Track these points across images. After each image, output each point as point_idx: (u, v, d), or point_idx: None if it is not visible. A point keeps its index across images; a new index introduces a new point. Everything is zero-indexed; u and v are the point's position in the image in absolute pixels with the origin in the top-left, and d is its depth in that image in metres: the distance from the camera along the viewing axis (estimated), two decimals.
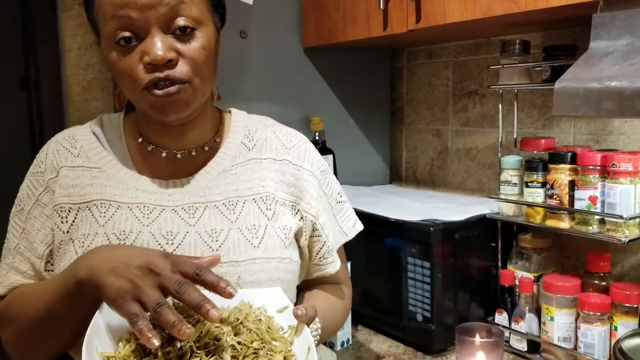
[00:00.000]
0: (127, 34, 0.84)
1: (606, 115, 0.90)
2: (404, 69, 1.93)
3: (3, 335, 0.95)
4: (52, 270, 0.94)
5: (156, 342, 0.69)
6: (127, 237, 0.90)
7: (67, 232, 0.92)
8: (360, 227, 1.11)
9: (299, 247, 1.01)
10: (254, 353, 0.74)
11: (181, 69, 0.86)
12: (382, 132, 1.95)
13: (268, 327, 0.79)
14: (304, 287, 1.08)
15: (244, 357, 0.74)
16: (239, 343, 0.75)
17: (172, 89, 0.86)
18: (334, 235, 1.06)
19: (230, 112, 1.06)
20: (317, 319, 0.89)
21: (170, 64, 0.85)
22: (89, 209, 0.92)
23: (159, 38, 0.84)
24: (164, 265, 0.75)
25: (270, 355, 0.75)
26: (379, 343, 1.44)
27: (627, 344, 0.99)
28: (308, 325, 0.82)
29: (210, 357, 0.72)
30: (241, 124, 1.03)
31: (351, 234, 1.09)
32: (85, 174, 0.95)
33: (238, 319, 0.78)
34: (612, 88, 0.84)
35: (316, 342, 0.89)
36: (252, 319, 0.79)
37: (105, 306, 0.77)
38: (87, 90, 2.10)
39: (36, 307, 0.87)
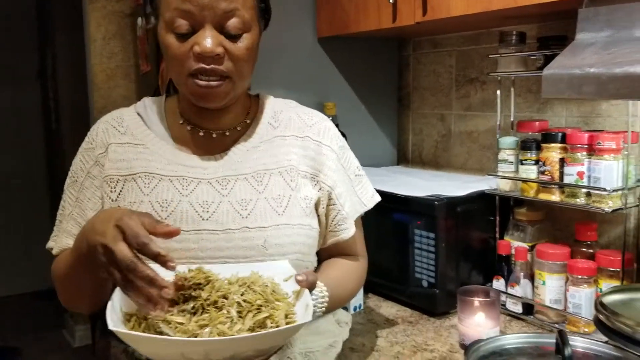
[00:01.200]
0: (185, 25, 0.96)
1: (587, 97, 1.03)
2: (411, 57, 2.06)
3: (57, 291, 1.09)
4: None
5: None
6: (168, 205, 1.02)
7: (116, 200, 1.05)
8: (378, 198, 1.22)
9: (318, 215, 1.12)
10: (257, 309, 0.85)
11: (226, 65, 0.98)
12: (390, 116, 2.09)
13: (273, 291, 0.89)
14: (325, 259, 1.17)
15: (248, 311, 0.84)
16: (244, 301, 0.85)
17: (214, 82, 0.98)
18: (352, 205, 1.16)
19: (258, 96, 1.18)
20: (324, 288, 1.00)
21: (217, 57, 0.97)
22: (135, 181, 1.04)
23: (211, 33, 0.96)
24: (116, 237, 0.83)
25: (273, 311, 0.85)
26: (388, 308, 1.58)
27: (607, 299, 1.13)
28: (311, 289, 0.93)
29: (219, 312, 0.83)
30: (268, 106, 1.16)
31: (370, 204, 1.20)
32: (131, 149, 1.07)
33: (246, 283, 0.89)
34: (591, 74, 0.97)
35: (324, 308, 1.01)
36: (259, 284, 0.90)
37: None
38: (111, 78, 2.23)
39: (63, 269, 1.02)
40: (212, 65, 0.97)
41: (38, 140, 4.21)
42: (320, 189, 1.11)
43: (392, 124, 2.10)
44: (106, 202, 1.06)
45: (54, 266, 1.09)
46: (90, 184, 1.08)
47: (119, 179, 1.05)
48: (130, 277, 0.82)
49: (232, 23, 0.97)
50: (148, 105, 1.14)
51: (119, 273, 0.83)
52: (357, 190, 1.19)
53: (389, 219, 1.59)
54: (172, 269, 0.84)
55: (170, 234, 0.87)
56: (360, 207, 1.18)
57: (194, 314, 0.85)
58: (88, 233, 0.88)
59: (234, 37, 0.98)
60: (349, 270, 1.18)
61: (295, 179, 1.09)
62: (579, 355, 0.98)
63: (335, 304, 1.09)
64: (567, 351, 0.88)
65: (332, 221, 1.13)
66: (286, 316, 0.85)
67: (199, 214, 1.02)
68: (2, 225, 4.24)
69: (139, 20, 2.00)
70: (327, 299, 1.01)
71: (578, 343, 1.02)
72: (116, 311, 0.84)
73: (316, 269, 1.15)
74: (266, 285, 0.90)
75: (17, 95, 4.06)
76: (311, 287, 0.94)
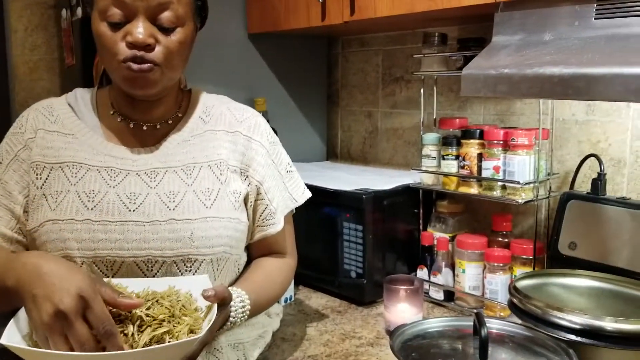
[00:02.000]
0: (118, 15, 0.97)
1: (501, 95, 1.11)
2: (340, 56, 2.11)
3: None
4: (27, 220, 1.04)
5: None
6: (95, 195, 1.02)
7: (41, 187, 1.03)
8: (308, 194, 1.24)
9: (247, 210, 1.13)
10: (158, 324, 0.84)
11: (155, 54, 0.99)
12: (319, 113, 2.13)
13: (183, 306, 0.89)
14: (254, 257, 1.19)
15: (148, 326, 0.84)
16: (147, 315, 0.85)
17: (145, 66, 0.99)
18: (283, 201, 1.18)
19: (190, 90, 1.19)
20: (245, 296, 1.02)
21: (148, 48, 0.98)
22: (62, 169, 1.04)
23: (144, 24, 0.97)
24: (78, 312, 0.79)
25: (175, 326, 0.84)
26: (318, 299, 1.63)
27: (520, 283, 1.22)
28: (223, 303, 0.94)
29: (119, 324, 0.82)
30: (200, 101, 1.17)
31: (300, 200, 1.22)
32: (60, 138, 1.07)
33: (155, 297, 0.88)
34: (505, 74, 1.05)
35: (246, 315, 1.01)
36: (171, 299, 0.89)
37: None
38: (34, 70, 2.16)
39: None
40: (142, 52, 0.98)
41: None
42: (249, 184, 1.13)
43: (322, 120, 2.15)
44: (32, 189, 1.04)
45: None
46: (18, 167, 1.06)
47: (45, 166, 1.05)
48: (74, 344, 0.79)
49: (166, 16, 0.99)
50: (79, 95, 1.14)
51: (63, 341, 0.79)
52: (288, 186, 1.21)
53: (319, 213, 1.63)
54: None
55: (133, 307, 0.84)
56: (291, 203, 1.21)
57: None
58: (33, 281, 0.82)
59: (166, 30, 1.00)
60: (275, 273, 1.18)
61: (225, 173, 1.10)
62: (494, 336, 1.05)
63: (259, 308, 1.10)
64: (484, 331, 0.95)
65: (260, 216, 1.15)
66: (192, 331, 0.86)
67: (125, 205, 1.02)
68: None
69: (64, 12, 1.95)
70: (248, 306, 1.03)
71: (494, 325, 1.09)
72: (19, 328, 0.82)
73: (244, 268, 1.17)
74: (178, 300, 0.90)
75: None
76: (222, 301, 0.94)
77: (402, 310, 1.37)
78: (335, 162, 2.16)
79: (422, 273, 1.59)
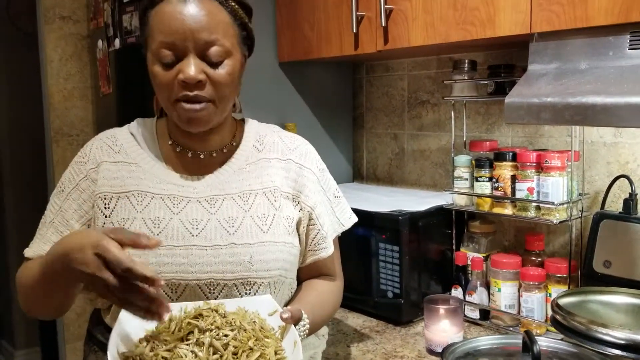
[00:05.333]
0: (170, 56, 1.04)
1: (544, 123, 1.17)
2: (364, 80, 2.18)
3: (18, 294, 1.11)
4: None
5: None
6: (160, 222, 1.08)
7: (109, 216, 1.09)
8: (355, 219, 1.29)
9: (299, 234, 1.18)
10: (250, 349, 0.89)
11: (207, 90, 1.05)
12: (345, 136, 2.19)
13: (261, 327, 0.94)
14: (304, 279, 1.23)
15: (242, 351, 0.88)
16: (235, 339, 0.89)
17: (197, 106, 1.05)
18: (331, 225, 1.23)
19: (243, 120, 1.25)
20: (304, 316, 1.04)
21: (200, 84, 1.04)
22: (127, 198, 1.10)
23: (194, 62, 1.03)
24: (100, 266, 0.86)
25: (263, 349, 0.89)
26: (354, 319, 1.67)
27: (562, 301, 1.26)
28: (296, 324, 0.98)
29: (213, 355, 0.87)
30: (253, 130, 1.23)
31: (347, 225, 1.27)
32: (124, 167, 1.13)
33: (235, 319, 0.93)
34: (548, 103, 1.11)
35: (305, 335, 1.04)
36: (247, 321, 0.93)
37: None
38: (68, 98, 2.23)
39: (30, 280, 1.05)
40: (195, 92, 1.04)
41: None
42: (301, 209, 1.18)
43: (348, 142, 2.20)
44: (99, 218, 1.10)
45: (20, 274, 1.11)
46: (77, 196, 1.13)
47: (112, 196, 1.10)
48: (130, 298, 0.86)
49: (213, 51, 1.05)
50: (141, 126, 1.20)
51: (113, 295, 0.87)
52: (336, 211, 1.26)
53: (353, 234, 1.66)
54: (161, 287, 0.87)
55: (152, 246, 0.90)
56: (338, 227, 1.26)
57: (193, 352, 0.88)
58: (64, 258, 0.90)
59: (215, 64, 1.06)
60: (327, 294, 1.23)
61: (279, 200, 1.15)
62: (543, 352, 1.10)
63: (314, 329, 1.14)
64: (536, 348, 1.00)
65: (312, 240, 1.19)
66: (275, 352, 0.90)
67: (188, 231, 1.08)
68: None
69: (100, 42, 2.01)
70: (307, 326, 1.06)
71: (541, 342, 1.13)
72: (112, 353, 0.87)
73: (296, 288, 1.21)
74: (254, 322, 0.94)
75: None
76: (296, 322, 0.99)
77: (443, 330, 1.41)
78: (361, 183, 2.21)
79: (456, 292, 1.63)
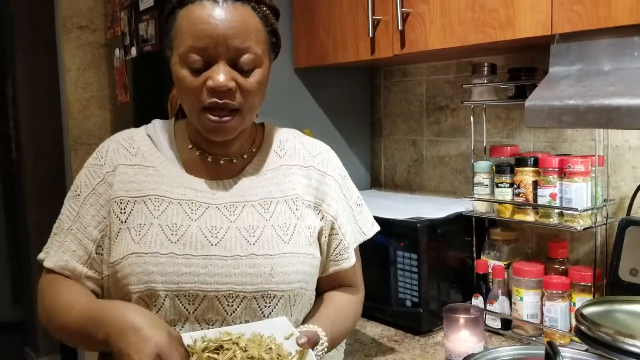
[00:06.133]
0: (199, 61, 0.99)
1: (566, 126, 1.13)
2: (382, 86, 2.15)
3: (39, 305, 1.09)
4: (101, 254, 1.07)
5: None
6: (178, 229, 1.03)
7: (125, 221, 1.05)
8: (377, 227, 1.24)
9: (320, 244, 1.13)
10: None
11: (237, 99, 1.01)
12: (363, 142, 2.16)
13: (278, 355, 0.91)
14: (324, 289, 1.19)
15: None
16: None
17: (225, 118, 1.01)
18: (353, 234, 1.18)
19: (263, 125, 1.21)
20: (322, 334, 1.02)
21: (229, 92, 1.00)
22: (144, 203, 1.05)
23: (224, 69, 0.99)
24: None
25: None
26: (372, 328, 1.64)
27: (586, 310, 1.22)
28: (313, 348, 0.95)
29: None
30: (274, 135, 1.18)
31: (369, 234, 1.22)
32: (141, 171, 1.08)
33: (256, 353, 0.90)
34: (570, 105, 1.07)
35: (323, 354, 1.02)
36: (265, 349, 0.90)
37: None
38: (86, 107, 2.24)
39: (64, 319, 1.02)
40: (224, 100, 1.00)
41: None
42: (322, 218, 1.13)
43: (365, 149, 2.17)
44: (115, 223, 1.06)
45: (43, 289, 1.08)
46: (94, 201, 1.08)
47: (129, 201, 1.06)
48: None
49: (245, 59, 1.01)
50: (158, 128, 1.15)
51: None
52: (358, 220, 1.21)
53: (371, 241, 1.63)
54: None
55: None
56: (360, 237, 1.21)
57: None
58: (119, 336, 0.90)
59: (246, 72, 1.02)
60: (346, 307, 1.18)
61: (300, 208, 1.11)
62: None
63: (333, 344, 1.11)
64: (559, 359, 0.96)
65: (334, 250, 1.15)
66: None
67: (207, 239, 1.03)
68: None
69: (117, 51, 2.02)
70: (326, 344, 1.03)
71: (565, 353, 1.09)
72: None
73: (315, 301, 1.17)
74: (270, 348, 0.91)
75: None
76: (313, 346, 0.96)
77: (463, 340, 1.37)
78: (379, 190, 2.18)
79: (477, 301, 1.60)
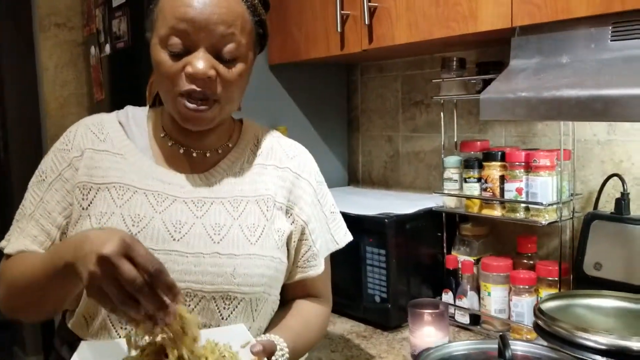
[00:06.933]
0: (179, 45, 0.95)
1: (519, 119, 1.12)
2: (358, 82, 2.15)
3: (0, 292, 1.04)
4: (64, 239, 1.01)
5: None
6: (140, 220, 0.99)
7: (86, 208, 1.01)
8: (350, 237, 1.21)
9: (288, 250, 1.10)
10: None
11: (216, 88, 0.97)
12: (340, 139, 2.16)
13: None
14: (289, 297, 1.16)
15: None
16: None
17: (202, 107, 0.97)
18: (325, 243, 1.15)
19: (242, 121, 1.17)
20: (284, 345, 0.99)
21: (209, 80, 0.96)
22: (108, 190, 1.01)
23: (204, 56, 0.95)
24: (119, 252, 0.77)
25: None
26: (342, 324, 1.63)
27: (545, 305, 1.21)
28: (269, 357, 0.92)
29: None
30: (251, 132, 1.15)
31: (342, 243, 1.20)
32: (108, 157, 1.04)
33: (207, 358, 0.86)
34: (522, 97, 1.06)
35: None
36: (216, 357, 0.87)
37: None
38: (64, 106, 2.23)
39: (26, 277, 0.96)
40: (201, 88, 0.96)
41: None
42: (293, 222, 1.10)
43: (343, 146, 2.17)
44: (76, 210, 1.02)
45: (3, 267, 1.04)
46: (60, 187, 1.04)
47: (92, 187, 1.02)
48: (136, 296, 0.77)
49: (228, 48, 0.97)
50: (131, 114, 1.11)
51: (116, 288, 0.77)
52: (331, 227, 1.18)
53: None
54: (183, 303, 0.82)
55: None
56: (332, 245, 1.18)
57: None
58: (78, 243, 0.83)
59: (227, 62, 0.98)
60: (312, 320, 1.15)
61: (271, 210, 1.07)
62: (520, 358, 1.05)
63: (296, 356, 1.06)
64: (508, 353, 0.95)
65: (302, 257, 1.12)
66: None
67: (170, 234, 1.00)
68: None
69: (92, 49, 2.02)
70: (287, 355, 0.99)
71: (519, 347, 1.08)
72: None
73: (278, 309, 1.14)
74: (223, 356, 0.89)
75: None
76: (269, 355, 0.93)
77: (427, 335, 1.36)
78: (357, 187, 2.17)
79: (447, 297, 1.59)
